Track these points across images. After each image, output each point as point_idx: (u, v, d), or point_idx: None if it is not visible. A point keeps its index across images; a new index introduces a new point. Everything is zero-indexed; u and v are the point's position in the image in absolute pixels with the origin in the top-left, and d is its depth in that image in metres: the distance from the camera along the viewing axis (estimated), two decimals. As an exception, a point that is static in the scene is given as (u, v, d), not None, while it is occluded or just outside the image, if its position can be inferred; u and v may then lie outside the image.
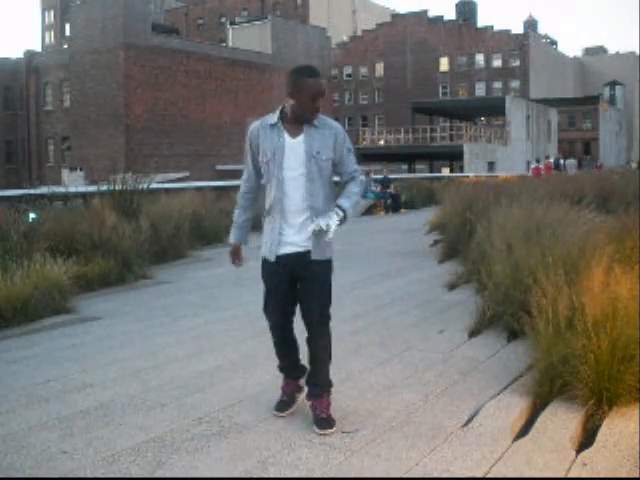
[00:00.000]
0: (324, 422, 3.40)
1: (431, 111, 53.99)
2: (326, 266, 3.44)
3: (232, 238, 3.63)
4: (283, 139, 3.35)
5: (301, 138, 3.36)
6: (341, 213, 3.35)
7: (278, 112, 3.42)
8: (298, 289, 3.45)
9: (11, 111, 52.65)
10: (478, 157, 43.22)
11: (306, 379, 3.60)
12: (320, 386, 3.49)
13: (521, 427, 3.47)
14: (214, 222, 12.09)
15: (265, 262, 3.47)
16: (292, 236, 3.38)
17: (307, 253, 3.37)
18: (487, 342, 5.04)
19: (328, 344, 3.49)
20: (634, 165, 47.02)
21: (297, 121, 3.35)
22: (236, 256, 3.62)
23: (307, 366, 3.60)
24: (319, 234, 3.30)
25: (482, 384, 4.10)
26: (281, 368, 3.70)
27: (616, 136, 77.21)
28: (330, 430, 3.38)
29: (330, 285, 3.47)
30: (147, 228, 9.33)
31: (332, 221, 3.28)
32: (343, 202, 3.39)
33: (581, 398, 3.54)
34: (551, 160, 38.35)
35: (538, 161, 36.32)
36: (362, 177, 3.52)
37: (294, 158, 3.35)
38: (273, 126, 3.39)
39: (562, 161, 40.57)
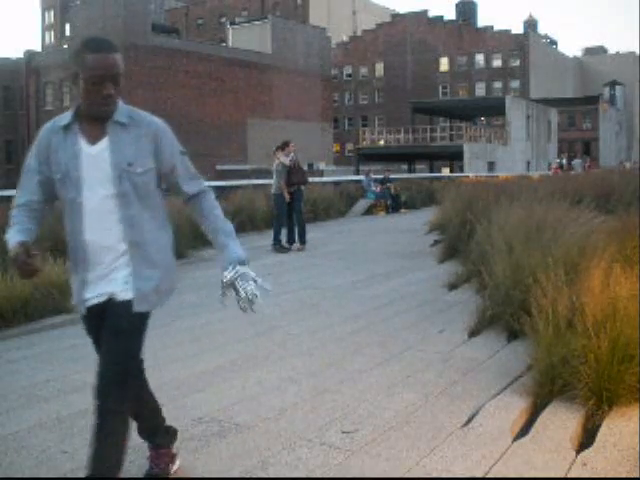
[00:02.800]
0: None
1: (431, 111, 53.99)
2: (141, 320, 2.48)
3: (11, 241, 2.41)
4: (78, 147, 2.38)
5: (104, 144, 2.38)
6: (243, 268, 2.53)
7: (74, 108, 2.43)
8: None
9: (11, 111, 52.67)
10: (478, 157, 43.22)
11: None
12: (155, 436, 2.85)
13: (521, 427, 3.47)
14: (214, 222, 12.09)
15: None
16: (99, 284, 2.45)
17: (116, 300, 2.43)
18: (487, 342, 5.04)
19: (123, 430, 2.50)
20: (628, 165, 47.55)
21: (93, 118, 2.37)
22: (26, 260, 2.31)
23: (176, 429, 2.96)
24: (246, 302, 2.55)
25: (482, 384, 4.10)
26: (143, 432, 2.87)
27: (616, 136, 77.20)
28: None
29: (140, 347, 2.51)
30: (147, 228, 9.32)
31: (249, 284, 2.52)
32: (234, 249, 2.60)
33: (581, 398, 3.54)
34: (557, 160, 42.76)
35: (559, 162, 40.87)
36: (212, 192, 2.68)
37: (96, 173, 2.37)
38: (67, 128, 2.41)
39: (565, 161, 44.99)
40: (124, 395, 2.42)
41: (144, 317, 2.49)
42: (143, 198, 2.44)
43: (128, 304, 2.42)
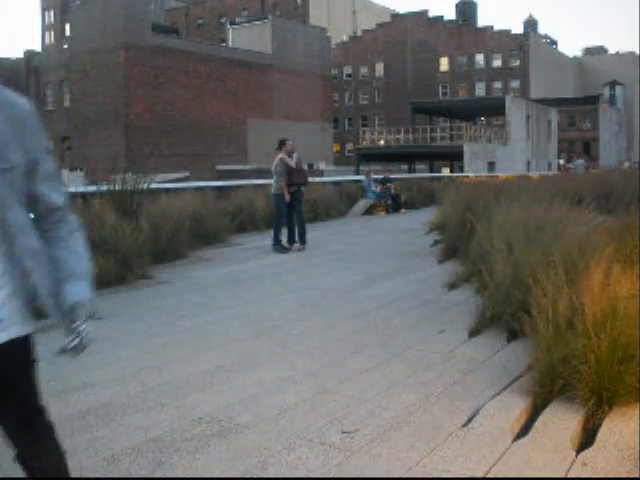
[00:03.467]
0: None
1: (431, 111, 54.00)
2: (25, 348, 1.97)
3: None
4: None
5: None
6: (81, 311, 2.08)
7: None
8: None
9: (11, 111, 52.68)
10: (478, 157, 43.21)
11: None
12: None
13: (521, 427, 3.47)
14: (214, 222, 12.11)
15: None
16: None
17: None
18: (487, 342, 5.04)
19: (56, 461, 2.16)
20: (627, 164, 47.75)
21: None
22: None
23: None
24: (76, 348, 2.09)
25: (482, 384, 4.10)
26: None
27: (616, 136, 77.21)
28: None
29: (34, 373, 2.04)
30: (147, 228, 9.33)
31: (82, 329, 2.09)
32: (79, 288, 2.10)
33: (581, 398, 3.54)
34: (560, 161, 44.95)
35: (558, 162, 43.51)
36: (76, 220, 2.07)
37: None
38: None
39: (563, 161, 47.29)
40: (52, 432, 2.13)
41: (29, 339, 1.98)
42: (19, 199, 1.84)
43: (15, 344, 1.87)
